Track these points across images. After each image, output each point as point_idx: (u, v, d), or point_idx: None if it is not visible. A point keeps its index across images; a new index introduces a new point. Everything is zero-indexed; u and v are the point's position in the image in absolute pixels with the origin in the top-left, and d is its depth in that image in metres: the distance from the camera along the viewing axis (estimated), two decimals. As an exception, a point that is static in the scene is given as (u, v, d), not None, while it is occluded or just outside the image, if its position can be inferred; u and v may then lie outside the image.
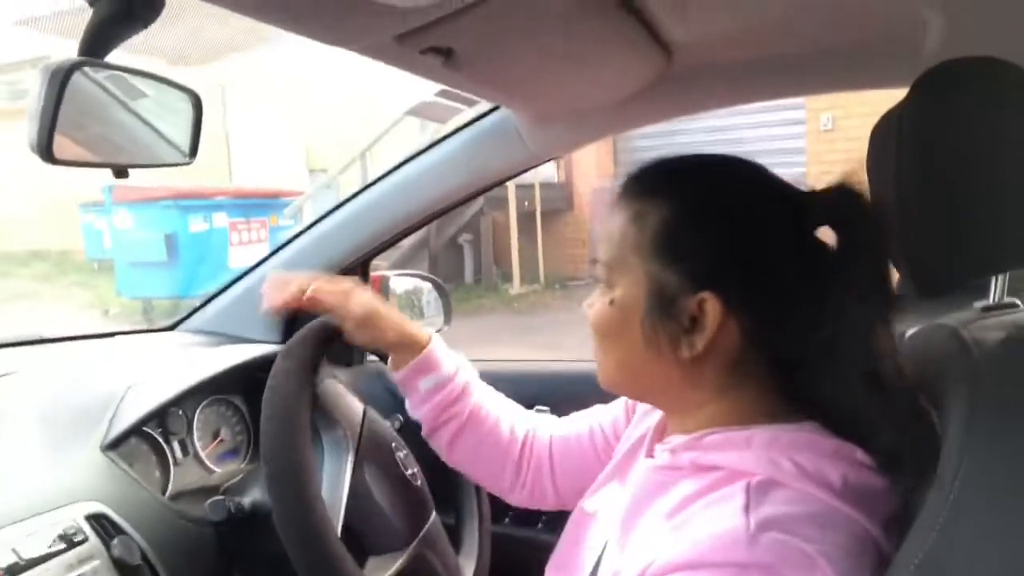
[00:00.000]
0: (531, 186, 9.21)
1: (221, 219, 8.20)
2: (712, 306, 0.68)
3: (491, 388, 1.08)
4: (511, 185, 8.83)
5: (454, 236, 9.40)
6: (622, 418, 0.99)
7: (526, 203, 9.22)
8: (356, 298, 0.98)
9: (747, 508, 0.61)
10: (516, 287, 9.23)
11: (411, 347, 1.00)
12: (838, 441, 0.66)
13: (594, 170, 9.65)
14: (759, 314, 0.69)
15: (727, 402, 0.72)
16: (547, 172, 9.55)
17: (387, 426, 1.13)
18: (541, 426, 1.07)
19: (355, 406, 1.03)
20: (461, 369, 1.03)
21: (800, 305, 0.68)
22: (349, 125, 10.60)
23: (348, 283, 1.01)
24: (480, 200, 8.91)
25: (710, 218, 0.70)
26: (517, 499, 1.05)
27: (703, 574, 0.59)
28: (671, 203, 0.71)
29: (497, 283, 9.48)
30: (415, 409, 1.02)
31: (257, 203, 8.66)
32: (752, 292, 0.69)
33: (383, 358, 1.08)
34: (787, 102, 7.65)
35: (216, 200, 8.31)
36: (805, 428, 0.68)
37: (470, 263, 9.76)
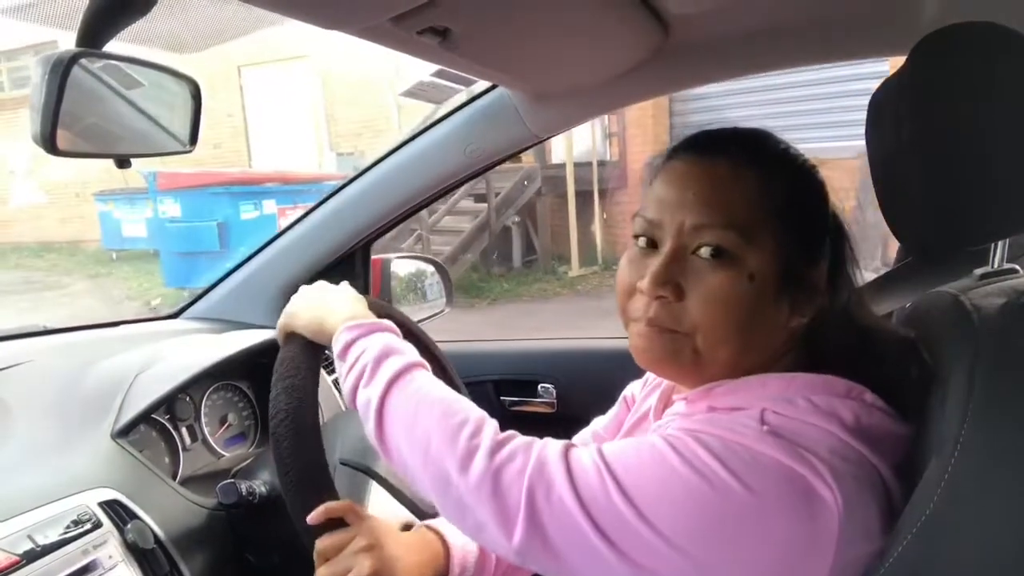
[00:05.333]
0: (587, 164, 8.77)
1: (270, 206, 8.04)
2: (822, 274, 0.71)
3: None
4: (569, 164, 8.55)
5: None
6: (624, 414, 0.98)
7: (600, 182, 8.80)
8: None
9: (762, 419, 0.64)
10: (575, 269, 8.76)
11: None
12: (850, 382, 0.68)
13: (651, 146, 8.77)
14: (839, 280, 0.73)
15: (779, 367, 0.72)
16: (601, 150, 9.13)
17: None
18: None
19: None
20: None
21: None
22: (370, 106, 10.47)
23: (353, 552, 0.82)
24: (538, 181, 8.65)
25: (821, 191, 0.74)
26: None
27: (714, 437, 0.63)
28: (791, 173, 0.73)
29: (554, 265, 8.99)
30: None
31: (303, 188, 8.40)
32: (842, 260, 0.74)
33: None
34: (864, 67, 6.58)
35: (265, 187, 8.15)
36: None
37: (518, 245, 9.26)
